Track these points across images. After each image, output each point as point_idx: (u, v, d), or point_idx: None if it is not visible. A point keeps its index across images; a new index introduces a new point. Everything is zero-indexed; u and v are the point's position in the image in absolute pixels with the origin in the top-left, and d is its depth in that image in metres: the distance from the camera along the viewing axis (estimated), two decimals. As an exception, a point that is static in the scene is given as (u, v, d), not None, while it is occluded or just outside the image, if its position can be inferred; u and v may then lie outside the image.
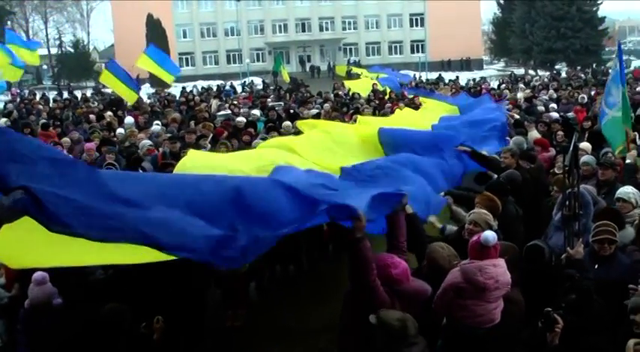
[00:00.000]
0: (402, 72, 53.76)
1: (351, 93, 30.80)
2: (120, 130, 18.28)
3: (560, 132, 14.36)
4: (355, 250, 5.44)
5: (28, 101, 35.58)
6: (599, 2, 68.73)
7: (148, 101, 32.78)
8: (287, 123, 17.18)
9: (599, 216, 7.33)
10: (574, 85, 31.53)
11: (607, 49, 73.31)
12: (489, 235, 5.76)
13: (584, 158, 10.28)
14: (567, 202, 7.04)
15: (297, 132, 13.55)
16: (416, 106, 21.17)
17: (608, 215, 7.31)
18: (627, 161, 10.42)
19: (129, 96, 26.75)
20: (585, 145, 11.83)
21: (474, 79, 49.26)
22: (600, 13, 69.62)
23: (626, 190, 8.17)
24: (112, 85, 27.18)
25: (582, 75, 48.19)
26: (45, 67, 66.19)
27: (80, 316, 6.11)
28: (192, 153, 9.07)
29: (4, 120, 23.11)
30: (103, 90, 38.73)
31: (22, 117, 26.48)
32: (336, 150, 9.62)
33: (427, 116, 14.74)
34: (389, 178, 7.70)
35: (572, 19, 65.69)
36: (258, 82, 57.09)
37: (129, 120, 20.89)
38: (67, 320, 6.16)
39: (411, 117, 14.89)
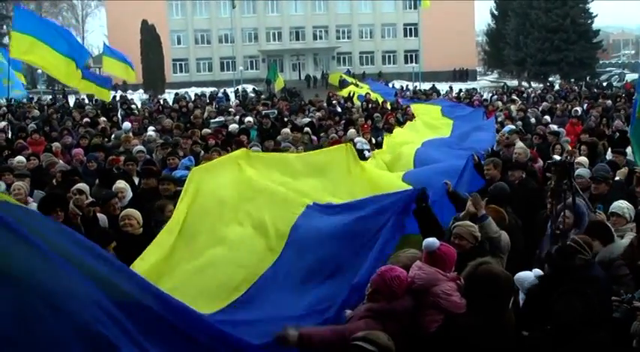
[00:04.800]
0: (390, 84, 54.20)
1: (344, 103, 30.95)
2: (113, 136, 18.34)
3: (558, 146, 14.35)
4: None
5: (22, 105, 35.49)
6: (593, 15, 69.05)
7: (137, 105, 32.75)
8: (285, 130, 17.19)
9: (589, 229, 7.31)
10: (569, 98, 31.61)
11: (601, 61, 73.62)
12: (429, 241, 5.75)
13: (578, 171, 10.31)
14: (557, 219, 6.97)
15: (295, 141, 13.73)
16: (409, 117, 21.24)
17: (597, 228, 7.29)
18: (616, 178, 10.44)
19: (129, 74, 27.26)
20: (582, 159, 11.81)
21: (467, 90, 49.35)
22: (594, 26, 69.99)
23: (621, 205, 8.12)
24: (114, 69, 27.53)
25: (576, 87, 48.27)
26: (39, 71, 66.06)
27: None
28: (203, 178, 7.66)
29: (3, 123, 23.08)
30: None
31: (18, 119, 26.46)
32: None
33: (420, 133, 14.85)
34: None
35: (567, 32, 65.95)
36: (250, 89, 57.09)
37: (127, 125, 20.92)
38: None
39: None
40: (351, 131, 17.37)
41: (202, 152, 14.50)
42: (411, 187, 7.66)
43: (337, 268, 6.41)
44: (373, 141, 16.69)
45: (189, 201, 7.15)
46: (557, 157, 6.66)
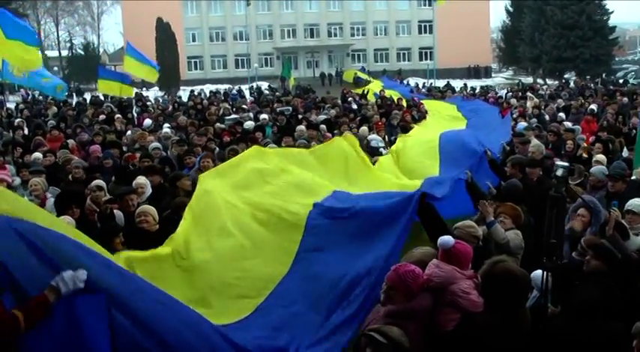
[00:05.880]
0: (405, 81, 54.03)
1: (359, 100, 30.93)
2: (129, 133, 18.40)
3: (570, 141, 14.30)
4: None
5: (39, 102, 35.77)
6: (609, 12, 68.55)
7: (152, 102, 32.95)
8: (301, 127, 17.18)
9: (604, 226, 7.28)
10: (586, 95, 31.43)
11: (617, 58, 73.06)
12: (445, 239, 5.72)
13: (592, 169, 10.29)
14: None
15: (310, 138, 13.73)
16: (422, 114, 21.20)
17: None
18: (633, 177, 10.36)
19: (151, 75, 27.14)
20: (600, 157, 11.74)
21: (482, 87, 49.20)
22: (611, 23, 69.45)
23: (636, 202, 8.05)
24: (135, 70, 27.41)
25: (592, 85, 47.93)
26: (56, 68, 66.54)
27: None
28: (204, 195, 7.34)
29: (18, 120, 23.26)
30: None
31: (35, 117, 26.62)
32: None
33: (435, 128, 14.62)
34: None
35: (583, 28, 65.44)
36: (265, 86, 57.13)
37: (147, 122, 21.10)
38: None
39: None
40: (363, 128, 17.32)
41: (217, 149, 14.56)
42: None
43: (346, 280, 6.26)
44: (387, 138, 16.66)
45: (197, 209, 6.98)
46: (562, 163, 6.50)
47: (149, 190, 10.44)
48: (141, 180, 10.52)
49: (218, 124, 19.59)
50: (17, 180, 11.47)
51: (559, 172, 6.09)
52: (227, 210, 7.02)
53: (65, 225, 5.51)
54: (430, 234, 6.61)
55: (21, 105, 33.02)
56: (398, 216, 6.52)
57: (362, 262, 6.31)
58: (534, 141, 13.49)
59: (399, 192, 7.38)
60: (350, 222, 6.82)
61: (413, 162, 10.85)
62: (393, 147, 12.15)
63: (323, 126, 17.82)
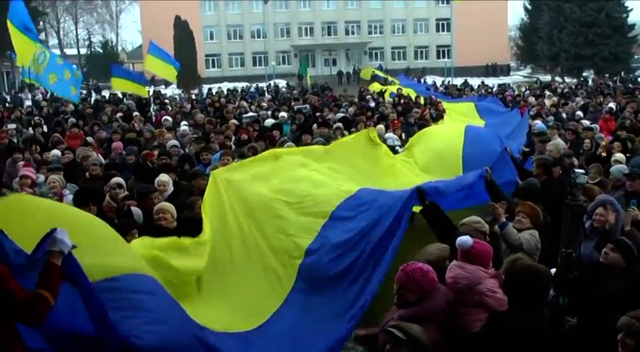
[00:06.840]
0: (422, 80, 53.85)
1: (377, 97, 30.86)
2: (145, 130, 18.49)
3: (587, 140, 14.21)
4: None
5: (57, 99, 35.92)
6: (628, 9, 67.96)
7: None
8: (314, 126, 17.18)
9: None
10: (605, 93, 31.18)
11: (636, 56, 72.50)
12: (463, 239, 5.66)
13: (612, 168, 10.23)
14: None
15: (328, 137, 13.75)
16: (440, 112, 21.15)
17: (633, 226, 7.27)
18: None
19: (171, 75, 27.32)
20: (619, 156, 11.64)
21: (499, 85, 48.97)
22: (630, 20, 68.80)
23: (656, 201, 8.04)
24: (156, 69, 27.50)
25: (610, 83, 47.53)
26: (74, 66, 66.84)
27: None
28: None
29: (36, 118, 23.39)
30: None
31: (55, 114, 26.77)
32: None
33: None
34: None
35: (601, 26, 64.92)
36: (282, 84, 57.20)
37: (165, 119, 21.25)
38: None
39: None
40: (379, 126, 17.24)
41: (233, 146, 14.58)
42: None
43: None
44: (403, 137, 16.60)
45: (210, 208, 6.91)
46: (581, 171, 6.46)
47: (171, 188, 10.44)
48: (164, 177, 10.51)
49: (233, 121, 19.62)
50: (41, 177, 11.62)
51: (579, 180, 6.04)
52: (233, 223, 6.91)
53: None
54: (438, 234, 6.57)
55: (43, 103, 33.22)
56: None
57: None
58: (553, 140, 13.41)
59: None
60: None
61: (432, 152, 10.79)
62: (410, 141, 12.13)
63: (340, 124, 17.77)
